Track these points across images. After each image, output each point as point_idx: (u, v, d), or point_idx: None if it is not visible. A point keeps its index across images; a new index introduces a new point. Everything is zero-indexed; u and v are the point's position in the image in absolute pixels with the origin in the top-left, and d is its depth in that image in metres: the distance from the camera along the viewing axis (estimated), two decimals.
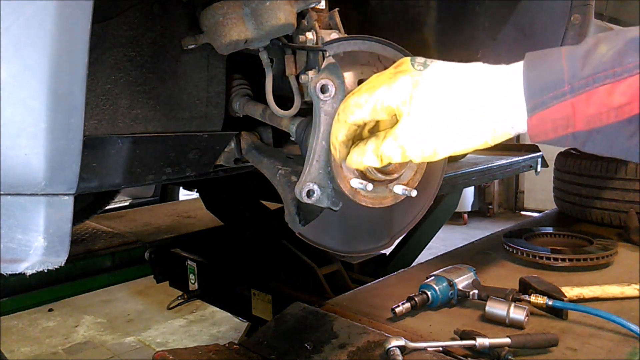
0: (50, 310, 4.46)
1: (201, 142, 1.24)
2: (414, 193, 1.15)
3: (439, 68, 0.76)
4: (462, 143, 0.74)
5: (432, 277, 1.74)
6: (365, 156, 0.85)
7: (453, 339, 1.46)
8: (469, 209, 7.49)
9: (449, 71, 0.75)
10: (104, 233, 3.08)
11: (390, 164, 0.94)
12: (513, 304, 1.57)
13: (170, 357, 1.44)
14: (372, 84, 0.83)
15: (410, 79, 0.76)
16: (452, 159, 3.44)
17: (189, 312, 4.42)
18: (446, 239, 5.42)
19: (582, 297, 1.73)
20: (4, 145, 0.73)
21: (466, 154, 3.51)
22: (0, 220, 0.79)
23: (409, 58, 0.81)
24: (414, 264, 2.87)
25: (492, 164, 3.34)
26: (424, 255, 2.85)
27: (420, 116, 0.75)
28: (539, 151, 3.73)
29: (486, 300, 1.62)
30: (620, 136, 0.66)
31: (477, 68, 0.75)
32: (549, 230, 2.51)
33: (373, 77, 0.87)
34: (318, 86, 1.03)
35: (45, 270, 0.84)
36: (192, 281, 2.75)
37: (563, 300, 1.62)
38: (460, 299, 1.73)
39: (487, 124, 0.72)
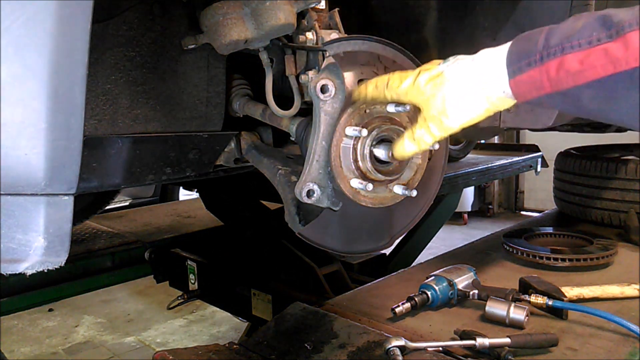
0: (50, 310, 4.46)
1: (201, 142, 1.24)
2: (414, 193, 1.15)
3: (458, 62, 0.93)
4: (469, 113, 0.91)
5: (432, 277, 1.74)
6: (406, 147, 1.01)
7: (453, 339, 1.46)
8: (469, 209, 7.49)
9: (461, 62, 0.92)
10: (104, 233, 3.08)
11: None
12: (513, 304, 1.57)
13: (170, 357, 1.44)
14: (407, 74, 1.00)
15: (430, 73, 0.95)
16: (452, 159, 3.44)
17: (189, 312, 4.42)
18: (446, 239, 5.43)
19: (582, 297, 1.73)
20: (4, 145, 0.73)
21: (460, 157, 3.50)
22: (0, 220, 0.79)
23: (437, 61, 0.98)
24: (414, 264, 2.87)
25: (492, 164, 3.34)
26: (424, 255, 2.86)
27: (440, 96, 0.92)
28: (539, 151, 3.73)
29: (486, 300, 1.62)
30: (582, 99, 0.77)
31: (485, 53, 0.90)
32: (549, 230, 2.51)
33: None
34: (318, 86, 1.03)
35: (45, 270, 0.84)
36: (192, 281, 2.75)
37: (563, 300, 1.62)
38: (460, 299, 1.72)
39: (483, 93, 0.88)
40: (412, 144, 0.99)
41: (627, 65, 0.70)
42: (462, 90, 0.90)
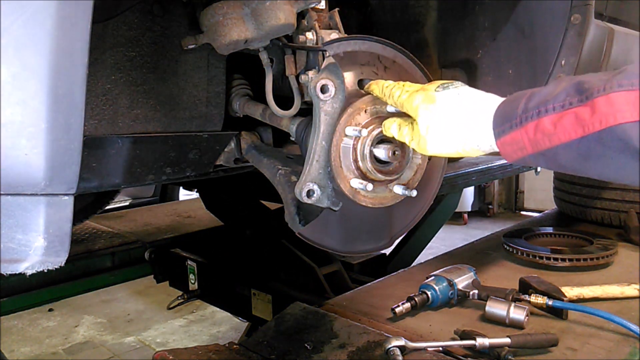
0: (50, 310, 4.45)
1: (201, 142, 1.24)
2: (414, 193, 1.16)
3: (449, 94, 0.98)
4: (443, 148, 0.98)
5: (432, 277, 1.74)
6: (391, 128, 1.06)
7: (453, 339, 1.46)
8: (469, 209, 7.48)
9: (454, 97, 0.97)
10: (104, 233, 3.08)
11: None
12: (513, 304, 1.57)
13: (170, 357, 1.44)
14: (409, 88, 1.05)
15: (426, 96, 1.00)
16: (451, 160, 3.43)
17: (189, 312, 4.42)
18: (446, 239, 5.42)
19: (582, 297, 1.73)
20: (4, 145, 0.73)
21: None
22: (0, 220, 0.79)
23: (439, 81, 1.03)
24: (414, 264, 2.87)
25: (492, 164, 3.34)
26: (424, 255, 2.85)
27: (424, 122, 0.99)
28: None
29: (486, 300, 1.62)
30: (559, 159, 0.82)
31: (474, 101, 0.96)
32: (549, 230, 2.51)
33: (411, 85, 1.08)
34: (318, 86, 1.03)
35: (45, 270, 0.84)
36: (192, 281, 2.75)
37: (563, 300, 1.62)
38: (460, 299, 1.72)
39: (460, 141, 0.95)
40: (396, 131, 1.05)
41: (594, 128, 0.75)
42: (445, 129, 0.96)
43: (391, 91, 1.06)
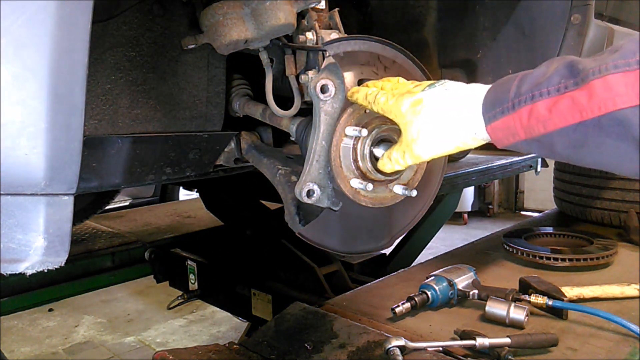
0: (50, 310, 4.46)
1: (201, 142, 1.24)
2: (414, 193, 1.15)
3: (436, 91, 0.95)
4: (440, 148, 0.93)
5: (432, 277, 1.74)
6: (385, 163, 1.04)
7: (453, 339, 1.46)
8: (469, 209, 7.48)
9: (442, 93, 0.94)
10: (104, 233, 3.08)
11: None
12: (513, 304, 1.57)
13: (170, 357, 1.44)
14: (396, 91, 1.01)
15: (413, 100, 0.96)
16: (451, 159, 3.44)
17: (189, 312, 4.42)
18: (446, 239, 5.42)
19: (582, 297, 1.73)
20: (4, 145, 0.73)
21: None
22: (0, 220, 0.79)
23: (426, 82, 1.00)
24: (414, 264, 2.87)
25: (492, 164, 3.34)
26: (424, 255, 2.85)
27: (415, 126, 0.95)
28: None
29: (486, 300, 1.62)
30: (555, 145, 0.78)
31: (462, 90, 0.92)
32: (549, 230, 2.51)
33: (398, 84, 1.06)
34: (318, 86, 1.03)
35: (45, 270, 0.84)
36: (192, 281, 2.75)
37: (563, 300, 1.62)
38: (460, 299, 1.73)
39: (456, 133, 0.90)
40: (389, 163, 1.02)
41: (592, 113, 0.71)
42: (437, 125, 0.92)
43: (376, 98, 1.02)
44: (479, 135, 0.89)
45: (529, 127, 0.79)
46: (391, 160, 1.01)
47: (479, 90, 0.89)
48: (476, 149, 3.92)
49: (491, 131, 0.85)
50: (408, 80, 1.08)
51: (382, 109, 1.01)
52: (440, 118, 0.92)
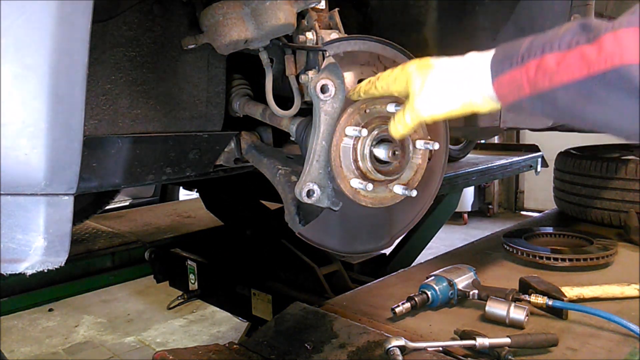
0: (50, 310, 4.45)
1: (201, 142, 1.24)
2: (414, 193, 1.15)
3: (444, 59, 0.96)
4: (444, 104, 0.93)
5: (432, 277, 1.74)
6: (391, 129, 1.02)
7: (453, 339, 1.46)
8: (469, 209, 7.48)
9: (450, 58, 0.95)
10: (104, 233, 3.08)
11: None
12: (513, 304, 1.57)
13: (170, 357, 1.44)
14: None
15: (420, 61, 0.97)
16: (452, 159, 3.44)
17: (189, 312, 4.42)
18: (446, 239, 5.42)
19: (582, 297, 1.73)
20: (4, 145, 0.73)
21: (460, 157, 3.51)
22: (0, 220, 0.79)
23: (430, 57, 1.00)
24: (414, 264, 2.87)
25: (492, 164, 3.35)
26: (424, 255, 2.85)
27: (420, 80, 0.95)
28: (539, 151, 3.73)
29: (486, 300, 1.62)
30: (558, 101, 0.77)
31: (473, 53, 0.93)
32: (549, 230, 2.51)
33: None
34: (318, 86, 1.03)
35: (45, 270, 0.84)
36: (192, 281, 2.75)
37: (563, 300, 1.62)
38: (460, 299, 1.72)
39: (463, 89, 0.91)
40: (393, 124, 1.01)
41: (599, 67, 0.70)
42: (443, 80, 0.93)
43: (373, 83, 1.02)
44: (485, 92, 0.88)
45: (535, 80, 0.78)
46: (395, 120, 1.00)
47: (488, 53, 0.90)
48: (476, 149, 3.89)
49: (497, 86, 0.86)
50: None
51: (386, 82, 1.00)
52: (446, 74, 0.93)
